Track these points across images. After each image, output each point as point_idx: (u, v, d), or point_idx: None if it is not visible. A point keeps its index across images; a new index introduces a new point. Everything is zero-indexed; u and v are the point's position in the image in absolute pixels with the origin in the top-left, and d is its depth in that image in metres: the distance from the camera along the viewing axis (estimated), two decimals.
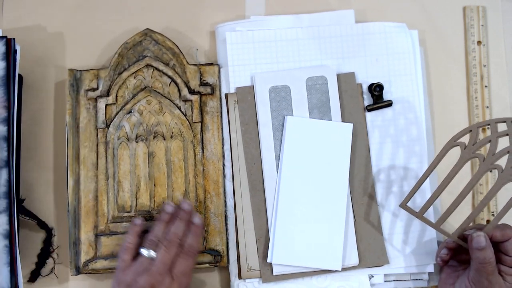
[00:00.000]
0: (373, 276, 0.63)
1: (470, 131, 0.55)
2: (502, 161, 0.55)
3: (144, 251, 0.57)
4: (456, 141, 0.55)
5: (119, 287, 0.55)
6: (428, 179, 0.58)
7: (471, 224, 0.57)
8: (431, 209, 0.59)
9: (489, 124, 0.55)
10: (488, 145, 0.55)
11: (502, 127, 0.56)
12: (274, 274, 0.62)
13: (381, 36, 0.67)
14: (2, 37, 0.63)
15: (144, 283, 0.54)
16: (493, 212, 0.66)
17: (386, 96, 0.66)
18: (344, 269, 0.62)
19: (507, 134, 0.53)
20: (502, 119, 0.54)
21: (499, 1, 0.71)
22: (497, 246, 0.55)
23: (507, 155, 0.54)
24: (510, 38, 0.71)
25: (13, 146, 0.61)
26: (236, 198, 0.64)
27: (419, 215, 0.58)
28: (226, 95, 0.66)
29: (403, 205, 0.58)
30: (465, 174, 0.68)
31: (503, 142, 0.55)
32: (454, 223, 0.63)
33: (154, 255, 0.56)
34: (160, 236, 0.58)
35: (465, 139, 0.56)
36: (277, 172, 0.64)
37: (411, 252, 0.64)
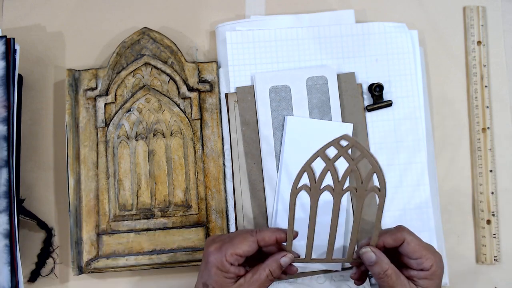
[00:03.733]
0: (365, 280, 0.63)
1: (305, 171, 0.49)
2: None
3: None
4: (298, 187, 0.50)
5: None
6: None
7: (364, 240, 0.54)
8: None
9: (318, 156, 0.49)
10: (329, 175, 0.50)
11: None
12: None
13: (381, 36, 0.67)
14: (2, 37, 0.62)
15: None
16: (493, 212, 0.66)
17: (386, 96, 0.66)
18: (344, 269, 0.62)
19: (340, 156, 0.48)
20: (327, 146, 0.48)
21: (499, 1, 0.71)
22: (397, 252, 0.53)
23: (352, 173, 0.50)
24: (510, 38, 0.71)
25: (13, 146, 0.61)
26: (236, 198, 0.64)
27: (307, 260, 0.55)
28: (226, 95, 0.66)
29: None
30: (465, 176, 0.68)
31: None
32: None
33: None
34: None
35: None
36: (277, 172, 0.64)
37: None
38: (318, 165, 0.49)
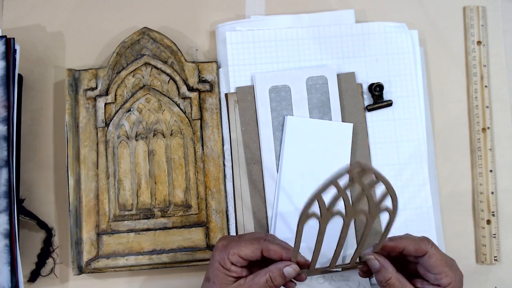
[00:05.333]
0: (373, 276, 0.63)
1: (315, 199, 0.47)
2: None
3: None
4: (308, 214, 0.48)
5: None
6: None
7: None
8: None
9: (331, 185, 0.47)
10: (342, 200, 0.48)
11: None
12: None
13: (381, 36, 0.67)
14: (2, 37, 0.62)
15: None
16: (493, 212, 0.66)
17: (386, 96, 0.66)
18: (345, 269, 0.62)
19: (351, 181, 0.46)
20: (339, 174, 0.46)
21: (499, 1, 0.71)
22: (417, 262, 0.53)
23: (364, 197, 0.48)
24: (510, 38, 0.71)
25: (13, 146, 0.61)
26: (236, 198, 0.64)
27: (310, 271, 0.54)
28: (226, 95, 0.66)
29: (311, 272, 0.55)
30: (465, 176, 0.68)
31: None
32: None
33: None
34: None
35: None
36: (277, 172, 0.64)
37: None
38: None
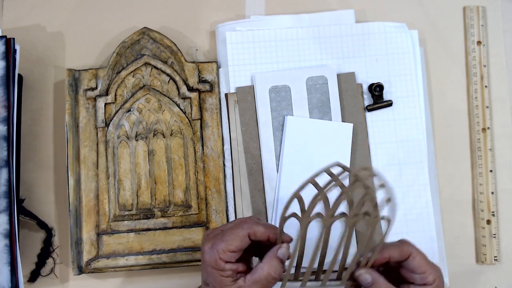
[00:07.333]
0: None
1: (295, 198, 0.47)
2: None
3: None
4: (286, 215, 0.48)
5: None
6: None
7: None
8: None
9: (309, 183, 0.47)
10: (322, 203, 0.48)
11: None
12: None
13: (381, 36, 0.67)
14: (2, 37, 0.62)
15: None
16: (493, 212, 0.66)
17: (386, 96, 0.66)
18: (344, 269, 0.62)
19: (332, 181, 0.46)
20: (317, 173, 0.46)
21: (499, 1, 0.71)
22: (400, 266, 0.52)
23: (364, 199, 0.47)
24: (510, 38, 0.71)
25: (13, 146, 0.61)
26: (236, 198, 0.64)
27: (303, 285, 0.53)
28: (226, 95, 0.66)
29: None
30: (465, 176, 0.68)
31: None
32: None
33: None
34: None
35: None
36: (277, 172, 0.64)
37: None
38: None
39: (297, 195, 0.47)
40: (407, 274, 0.52)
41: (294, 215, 0.48)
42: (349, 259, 0.52)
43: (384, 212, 0.49)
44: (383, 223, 0.50)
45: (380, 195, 0.49)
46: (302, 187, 0.46)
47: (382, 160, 0.65)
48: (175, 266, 0.63)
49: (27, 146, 0.67)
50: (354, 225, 0.49)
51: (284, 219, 0.48)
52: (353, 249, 0.61)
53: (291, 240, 0.51)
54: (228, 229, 0.51)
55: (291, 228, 0.49)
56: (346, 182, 0.48)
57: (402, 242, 0.52)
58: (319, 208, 0.48)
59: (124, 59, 0.67)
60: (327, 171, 0.46)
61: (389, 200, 0.48)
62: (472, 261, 0.66)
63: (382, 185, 0.47)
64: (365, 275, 0.51)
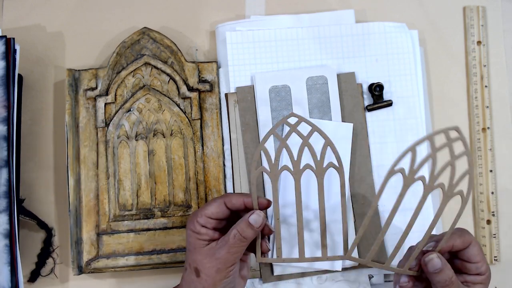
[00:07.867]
0: (373, 276, 0.63)
1: (410, 152, 0.48)
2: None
3: None
4: (395, 168, 0.48)
5: None
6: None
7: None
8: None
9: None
10: (429, 164, 0.49)
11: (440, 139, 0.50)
12: (274, 274, 0.62)
13: (381, 36, 0.67)
14: (2, 37, 0.62)
15: None
16: (493, 212, 0.66)
17: (386, 96, 0.66)
18: (344, 269, 0.62)
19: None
20: (439, 130, 0.48)
21: (499, 1, 0.71)
22: (456, 255, 0.52)
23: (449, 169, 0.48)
24: (510, 38, 0.71)
25: (13, 146, 0.61)
26: None
27: (368, 261, 0.54)
28: (226, 95, 0.66)
29: (349, 256, 0.54)
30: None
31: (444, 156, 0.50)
32: None
33: None
34: None
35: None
36: None
37: None
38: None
39: (411, 148, 0.48)
40: (461, 264, 0.51)
41: (262, 168, 0.53)
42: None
43: (460, 187, 0.49)
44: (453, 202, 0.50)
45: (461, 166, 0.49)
46: (265, 139, 0.52)
47: (382, 160, 0.65)
48: (175, 266, 0.63)
49: (27, 146, 0.67)
50: (449, 199, 0.49)
51: (255, 175, 0.52)
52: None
53: (268, 202, 0.53)
54: (209, 200, 0.55)
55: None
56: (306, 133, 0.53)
57: (463, 231, 0.52)
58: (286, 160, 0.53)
59: (124, 59, 0.67)
60: (285, 122, 0.52)
61: (466, 174, 0.47)
62: None
63: (465, 153, 0.48)
64: (436, 259, 0.50)
